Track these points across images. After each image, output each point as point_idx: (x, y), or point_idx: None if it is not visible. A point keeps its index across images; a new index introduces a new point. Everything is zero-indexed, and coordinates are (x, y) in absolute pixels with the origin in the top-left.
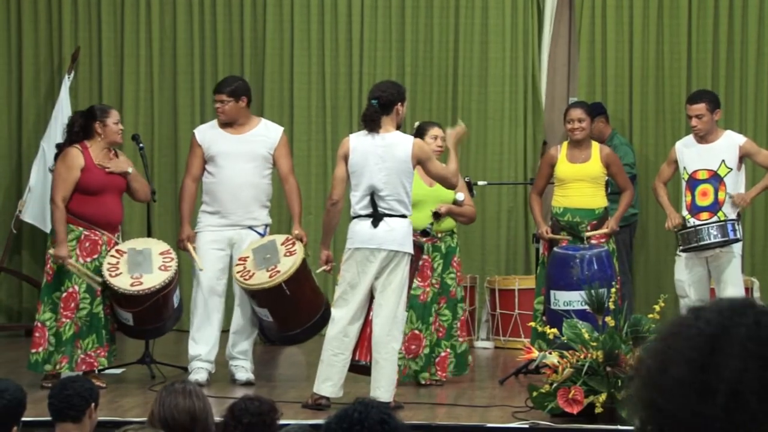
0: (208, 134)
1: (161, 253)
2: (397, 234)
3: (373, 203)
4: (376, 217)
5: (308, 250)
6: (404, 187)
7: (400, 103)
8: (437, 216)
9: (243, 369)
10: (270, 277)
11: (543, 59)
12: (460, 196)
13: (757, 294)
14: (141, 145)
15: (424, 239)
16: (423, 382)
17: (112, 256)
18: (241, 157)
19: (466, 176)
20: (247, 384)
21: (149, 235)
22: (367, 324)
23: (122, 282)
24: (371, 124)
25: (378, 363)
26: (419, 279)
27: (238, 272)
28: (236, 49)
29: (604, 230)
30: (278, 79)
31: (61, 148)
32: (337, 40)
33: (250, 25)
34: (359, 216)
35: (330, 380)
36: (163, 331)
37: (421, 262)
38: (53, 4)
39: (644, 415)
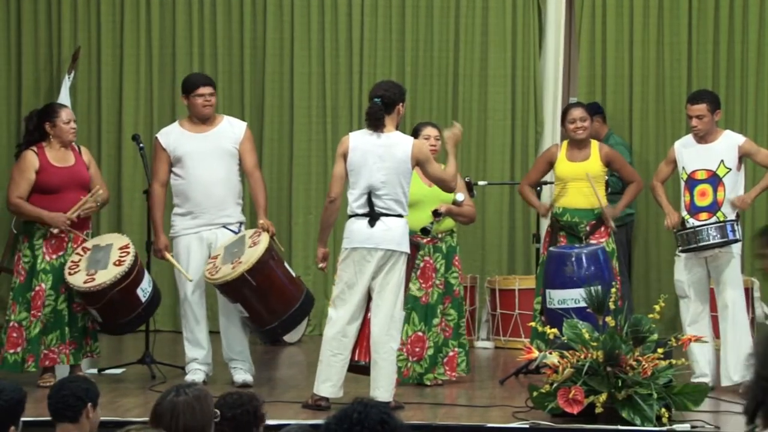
0: (173, 136)
1: (120, 248)
2: (394, 234)
3: (370, 202)
4: (373, 217)
5: (310, 252)
6: (402, 187)
7: (401, 104)
8: (437, 215)
9: (241, 371)
10: (233, 268)
11: (547, 59)
12: (460, 196)
13: (757, 294)
14: (141, 145)
15: (424, 240)
16: (428, 383)
17: (77, 253)
18: (209, 155)
19: (467, 176)
20: (244, 386)
21: (148, 235)
22: (365, 324)
23: (77, 279)
24: (376, 122)
25: (377, 363)
26: (421, 281)
27: (207, 269)
28: (236, 49)
29: (607, 212)
30: (278, 79)
31: (19, 149)
32: (337, 40)
33: (250, 25)
34: (356, 215)
35: (329, 381)
36: (137, 324)
37: (422, 264)
38: (53, 4)
39: (755, 384)
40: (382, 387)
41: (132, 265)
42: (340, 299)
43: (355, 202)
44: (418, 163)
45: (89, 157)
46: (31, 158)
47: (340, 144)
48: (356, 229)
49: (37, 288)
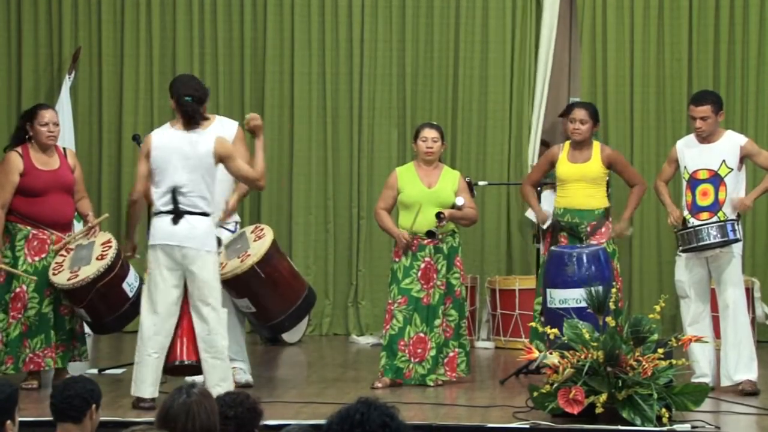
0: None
1: (102, 244)
2: (197, 232)
3: (174, 200)
4: (177, 214)
5: (310, 252)
6: (206, 183)
7: (205, 104)
8: (440, 219)
9: (240, 371)
10: (241, 261)
11: (547, 59)
12: (460, 200)
13: (757, 294)
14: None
15: (426, 240)
16: (431, 384)
17: (60, 255)
18: None
19: (467, 176)
20: (246, 386)
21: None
22: (185, 323)
23: (61, 278)
24: (192, 119)
25: (211, 361)
26: (422, 281)
27: None
28: (236, 49)
29: (619, 231)
30: (278, 79)
31: (5, 149)
32: (337, 40)
33: (250, 25)
34: (160, 212)
35: (146, 381)
36: (126, 321)
37: (423, 265)
38: (53, 4)
39: None
40: (224, 385)
41: (114, 258)
42: (151, 298)
43: (159, 200)
44: (221, 159)
45: (74, 161)
46: (15, 160)
47: (144, 143)
48: (160, 226)
49: (18, 290)
